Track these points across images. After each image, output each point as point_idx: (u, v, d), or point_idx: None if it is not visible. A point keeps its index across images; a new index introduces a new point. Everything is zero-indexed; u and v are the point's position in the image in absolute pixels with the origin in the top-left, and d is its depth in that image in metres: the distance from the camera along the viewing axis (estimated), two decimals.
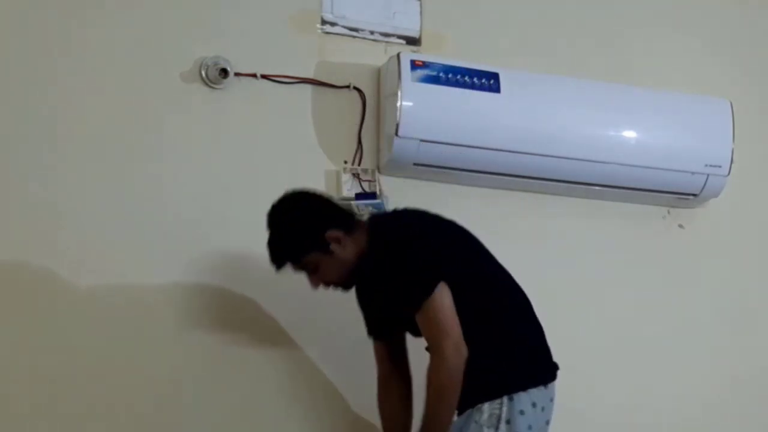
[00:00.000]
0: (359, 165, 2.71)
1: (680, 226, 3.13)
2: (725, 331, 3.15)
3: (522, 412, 2.15)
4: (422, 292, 2.13)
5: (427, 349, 2.20)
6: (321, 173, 2.68)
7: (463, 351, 2.10)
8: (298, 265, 2.25)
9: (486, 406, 2.16)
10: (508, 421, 2.14)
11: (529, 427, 2.15)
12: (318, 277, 2.26)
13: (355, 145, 2.71)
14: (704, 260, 3.16)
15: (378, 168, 2.72)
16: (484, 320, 2.20)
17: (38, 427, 2.38)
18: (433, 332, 2.14)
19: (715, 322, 3.14)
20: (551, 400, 2.24)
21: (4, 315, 2.40)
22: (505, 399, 2.15)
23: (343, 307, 2.47)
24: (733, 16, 3.30)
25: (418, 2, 2.84)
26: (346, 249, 2.23)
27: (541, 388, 2.20)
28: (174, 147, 2.57)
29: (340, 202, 2.37)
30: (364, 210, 2.63)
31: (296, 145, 2.68)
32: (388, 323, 2.33)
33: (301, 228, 2.21)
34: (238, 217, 2.60)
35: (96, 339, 2.47)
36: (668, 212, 3.11)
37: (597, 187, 2.88)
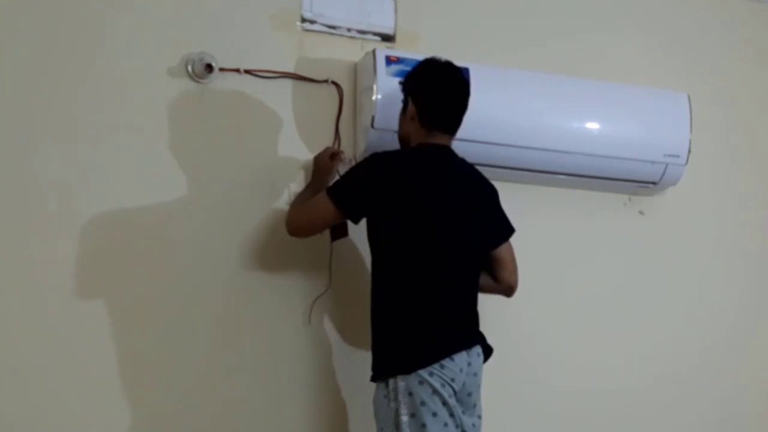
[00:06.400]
0: None
1: (640, 212, 3.19)
2: (681, 311, 3.22)
3: (421, 383, 2.20)
4: (332, 189, 2.37)
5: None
6: (300, 163, 2.71)
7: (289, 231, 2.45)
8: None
9: (384, 384, 2.25)
10: (410, 393, 2.21)
11: (434, 392, 2.20)
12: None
13: (333, 137, 2.75)
14: (663, 245, 3.21)
15: (354, 158, 2.74)
16: (403, 287, 2.30)
17: None
18: (303, 208, 2.45)
19: (671, 303, 3.20)
20: (461, 370, 2.27)
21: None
22: (400, 376, 2.22)
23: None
24: (690, 14, 3.35)
25: (393, 1, 2.87)
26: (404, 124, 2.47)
27: (447, 361, 2.24)
28: (162, 139, 2.58)
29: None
30: None
31: (277, 136, 2.71)
32: None
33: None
34: (223, 204, 2.63)
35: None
36: (629, 199, 3.17)
37: (562, 176, 2.94)
